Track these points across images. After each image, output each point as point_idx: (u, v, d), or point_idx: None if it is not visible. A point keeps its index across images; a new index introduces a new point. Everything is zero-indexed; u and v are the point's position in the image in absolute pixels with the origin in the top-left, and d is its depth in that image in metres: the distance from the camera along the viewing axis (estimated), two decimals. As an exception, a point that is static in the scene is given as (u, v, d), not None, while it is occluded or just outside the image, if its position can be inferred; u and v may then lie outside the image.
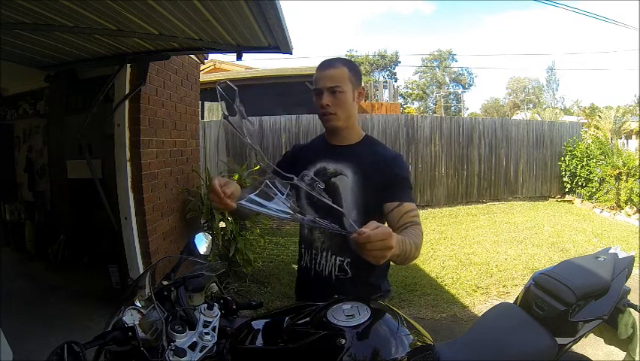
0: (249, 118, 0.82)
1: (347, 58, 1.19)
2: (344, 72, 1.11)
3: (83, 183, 2.97)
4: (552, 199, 8.13)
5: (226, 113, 0.83)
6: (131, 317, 0.86)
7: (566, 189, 7.98)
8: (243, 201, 0.78)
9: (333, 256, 1.13)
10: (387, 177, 1.07)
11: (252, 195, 0.78)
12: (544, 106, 24.70)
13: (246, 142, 0.79)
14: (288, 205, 0.78)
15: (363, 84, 1.19)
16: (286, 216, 0.78)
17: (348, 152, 1.14)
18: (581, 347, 1.62)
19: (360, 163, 1.11)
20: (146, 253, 2.79)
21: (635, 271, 1.60)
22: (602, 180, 7.16)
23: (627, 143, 10.50)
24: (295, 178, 0.81)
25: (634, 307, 1.24)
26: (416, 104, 36.47)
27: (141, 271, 2.66)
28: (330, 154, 1.15)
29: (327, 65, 1.13)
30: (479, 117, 12.20)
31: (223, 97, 0.78)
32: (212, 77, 8.87)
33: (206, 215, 3.41)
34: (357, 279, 1.13)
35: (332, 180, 1.12)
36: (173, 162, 3.29)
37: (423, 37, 60.59)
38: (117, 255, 2.85)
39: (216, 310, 0.91)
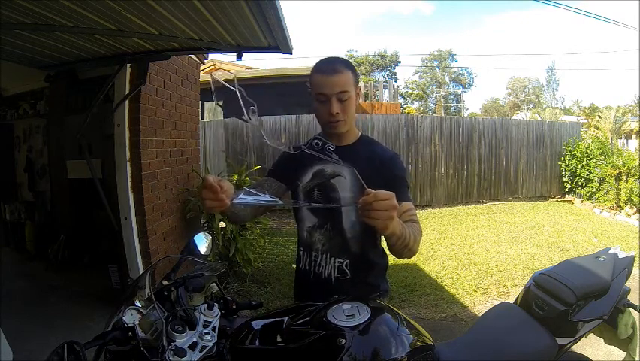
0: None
1: (344, 58, 1.16)
2: (349, 76, 1.08)
3: (83, 183, 2.97)
4: (552, 199, 8.14)
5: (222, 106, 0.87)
6: (131, 317, 0.86)
7: (566, 189, 7.99)
8: (236, 199, 0.83)
9: (332, 258, 1.13)
10: (385, 178, 1.07)
11: (242, 194, 0.84)
12: (544, 106, 24.71)
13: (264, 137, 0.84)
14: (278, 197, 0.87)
15: (360, 84, 1.20)
16: (280, 202, 0.85)
17: (345, 153, 1.11)
18: (581, 347, 1.62)
19: (357, 164, 1.11)
20: (146, 253, 2.79)
21: (635, 271, 1.60)
22: (602, 180, 7.16)
23: (627, 143, 10.50)
24: (304, 147, 0.88)
25: (634, 307, 1.24)
26: (416, 104, 36.49)
27: (141, 271, 2.66)
28: (328, 158, 1.15)
29: (332, 69, 1.08)
30: (479, 117, 12.21)
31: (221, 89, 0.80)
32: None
33: (206, 215, 3.42)
34: (357, 279, 1.13)
35: (330, 181, 1.12)
36: (173, 162, 3.29)
37: (423, 37, 60.69)
38: (117, 255, 2.85)
39: (216, 310, 0.91)
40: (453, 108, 34.46)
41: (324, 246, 1.14)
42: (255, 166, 4.26)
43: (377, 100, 14.15)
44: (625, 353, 1.27)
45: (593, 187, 7.34)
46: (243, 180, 3.57)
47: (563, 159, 7.96)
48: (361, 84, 14.03)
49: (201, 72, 4.06)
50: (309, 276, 1.17)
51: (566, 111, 22.16)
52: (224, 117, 7.35)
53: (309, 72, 1.15)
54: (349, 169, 1.10)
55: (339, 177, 1.11)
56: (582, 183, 7.61)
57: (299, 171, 1.17)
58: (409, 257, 1.00)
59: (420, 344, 0.85)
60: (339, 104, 1.07)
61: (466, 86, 37.03)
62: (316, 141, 1.03)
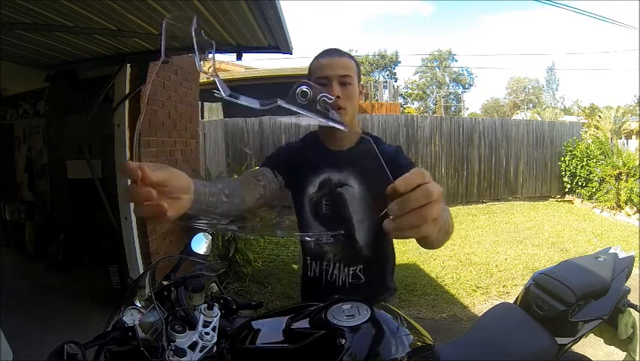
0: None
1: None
2: (353, 64, 1.01)
3: (82, 183, 2.97)
4: (552, 199, 8.13)
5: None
6: (131, 317, 0.86)
7: (566, 189, 7.98)
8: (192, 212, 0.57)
9: (347, 268, 1.08)
10: (393, 171, 1.03)
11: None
12: (544, 106, 24.69)
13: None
14: None
15: (362, 83, 1.14)
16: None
17: (349, 157, 1.05)
18: (581, 347, 1.62)
19: (362, 168, 1.02)
20: (146, 253, 2.79)
21: (635, 271, 1.60)
22: (602, 180, 7.16)
23: (627, 143, 10.49)
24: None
25: (634, 307, 1.24)
26: (416, 104, 36.47)
27: (141, 271, 2.66)
28: (332, 162, 1.05)
29: (336, 52, 1.01)
30: (479, 117, 12.21)
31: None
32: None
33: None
34: (371, 281, 1.09)
35: (337, 189, 1.04)
36: (173, 162, 3.28)
37: (423, 38, 60.62)
38: (117, 255, 2.85)
39: (216, 310, 0.91)
40: (453, 108, 34.43)
41: (336, 256, 1.07)
42: (255, 166, 4.26)
43: (377, 100, 14.15)
44: (625, 353, 1.27)
45: (593, 187, 7.33)
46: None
47: (563, 159, 7.96)
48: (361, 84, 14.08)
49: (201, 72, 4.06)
50: (320, 283, 1.10)
51: (566, 111, 22.17)
52: (224, 117, 7.35)
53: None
54: (356, 178, 1.02)
55: (347, 186, 1.04)
56: (582, 183, 7.61)
57: (302, 175, 1.06)
58: (445, 240, 0.71)
59: (420, 344, 0.85)
60: (341, 89, 0.97)
61: (466, 86, 37.02)
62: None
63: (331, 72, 0.97)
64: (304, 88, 0.48)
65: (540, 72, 57.02)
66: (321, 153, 1.08)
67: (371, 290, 1.09)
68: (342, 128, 0.48)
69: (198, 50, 0.45)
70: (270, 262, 4.18)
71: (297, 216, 1.10)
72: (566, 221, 6.12)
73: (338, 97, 0.96)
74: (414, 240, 0.54)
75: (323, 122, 0.48)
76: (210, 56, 0.48)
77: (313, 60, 1.03)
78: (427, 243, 0.63)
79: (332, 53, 1.02)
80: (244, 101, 0.48)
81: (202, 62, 0.46)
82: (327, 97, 0.49)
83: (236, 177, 0.95)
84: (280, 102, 0.47)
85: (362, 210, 1.03)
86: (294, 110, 0.48)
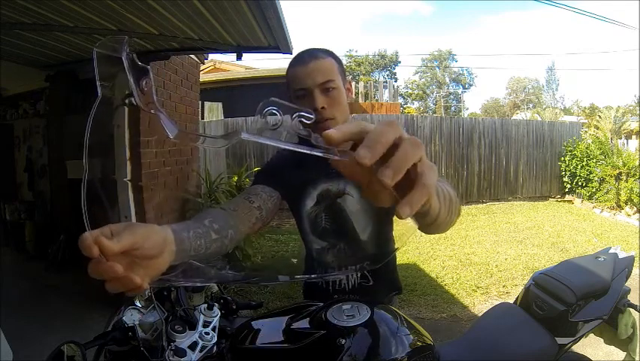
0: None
1: (325, 48, 0.96)
2: (332, 64, 0.91)
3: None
4: (552, 199, 8.13)
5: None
6: (131, 317, 0.86)
7: (566, 189, 7.98)
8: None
9: (354, 273, 1.06)
10: None
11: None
12: (544, 106, 24.71)
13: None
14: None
15: (351, 80, 1.06)
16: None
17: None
18: (581, 347, 1.62)
19: None
20: (146, 253, 2.79)
21: (635, 271, 1.60)
22: (602, 180, 7.16)
23: (627, 143, 10.48)
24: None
25: (634, 307, 1.24)
26: (416, 104, 36.50)
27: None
28: (328, 172, 0.94)
29: (310, 56, 0.90)
30: (479, 117, 12.21)
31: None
32: (212, 77, 8.88)
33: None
34: (380, 279, 1.08)
35: (337, 200, 0.98)
36: (173, 162, 3.29)
37: (423, 38, 60.71)
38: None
39: (216, 310, 0.91)
40: (453, 108, 34.46)
41: (342, 266, 1.03)
42: (255, 167, 4.26)
43: (377, 100, 14.14)
44: (625, 353, 1.27)
45: (593, 187, 7.33)
46: (243, 181, 3.57)
47: (563, 159, 7.96)
48: (361, 84, 14.06)
49: (201, 72, 4.06)
50: (328, 292, 1.07)
51: (566, 111, 22.20)
52: (224, 117, 7.35)
53: None
54: (355, 185, 0.93)
55: (346, 195, 0.97)
56: (582, 183, 7.61)
57: (300, 187, 0.99)
58: (452, 220, 0.61)
59: (420, 344, 0.85)
60: (325, 97, 0.88)
61: (466, 86, 37.05)
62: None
63: (310, 82, 0.87)
64: (272, 110, 0.38)
65: (540, 72, 57.22)
66: (315, 162, 0.98)
67: (380, 290, 1.08)
68: (333, 157, 0.35)
69: (133, 78, 0.39)
70: (270, 257, 4.19)
71: (299, 228, 1.06)
72: (566, 221, 6.12)
73: (323, 108, 0.87)
74: (419, 234, 0.45)
75: (307, 153, 0.36)
76: (146, 84, 0.40)
77: (288, 68, 0.93)
78: (431, 218, 0.50)
79: (305, 58, 0.91)
80: (209, 143, 0.41)
81: (142, 90, 0.40)
82: (304, 116, 0.38)
83: (226, 204, 0.84)
84: (244, 136, 0.36)
85: (365, 217, 0.99)
86: (262, 142, 0.37)
